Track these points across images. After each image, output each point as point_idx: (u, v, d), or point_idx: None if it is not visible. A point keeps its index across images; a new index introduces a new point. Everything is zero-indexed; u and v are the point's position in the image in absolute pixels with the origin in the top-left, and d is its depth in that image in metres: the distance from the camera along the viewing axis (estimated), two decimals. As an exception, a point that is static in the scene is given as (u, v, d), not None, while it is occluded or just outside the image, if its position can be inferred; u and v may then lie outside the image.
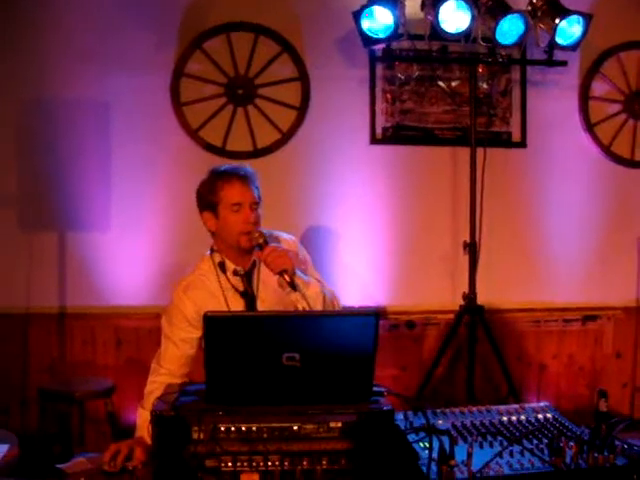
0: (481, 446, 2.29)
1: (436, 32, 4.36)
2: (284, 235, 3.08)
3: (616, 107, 5.21)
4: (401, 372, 4.90)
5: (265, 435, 2.14)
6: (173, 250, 4.72)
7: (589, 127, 5.13)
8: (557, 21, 4.45)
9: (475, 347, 4.53)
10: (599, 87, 5.17)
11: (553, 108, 5.08)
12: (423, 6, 4.44)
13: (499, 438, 2.34)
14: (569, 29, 4.52)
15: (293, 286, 2.69)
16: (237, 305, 2.86)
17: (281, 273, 2.70)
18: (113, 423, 4.18)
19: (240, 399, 2.14)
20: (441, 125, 4.94)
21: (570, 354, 5.18)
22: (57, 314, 4.69)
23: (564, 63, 4.69)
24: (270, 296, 2.89)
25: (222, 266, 2.92)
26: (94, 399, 4.21)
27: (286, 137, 4.80)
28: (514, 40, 4.45)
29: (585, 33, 4.51)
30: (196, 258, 4.60)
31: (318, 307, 2.73)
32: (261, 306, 2.87)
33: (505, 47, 4.50)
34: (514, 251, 5.02)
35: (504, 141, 5.03)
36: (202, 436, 2.12)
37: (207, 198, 2.91)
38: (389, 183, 4.91)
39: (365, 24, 4.33)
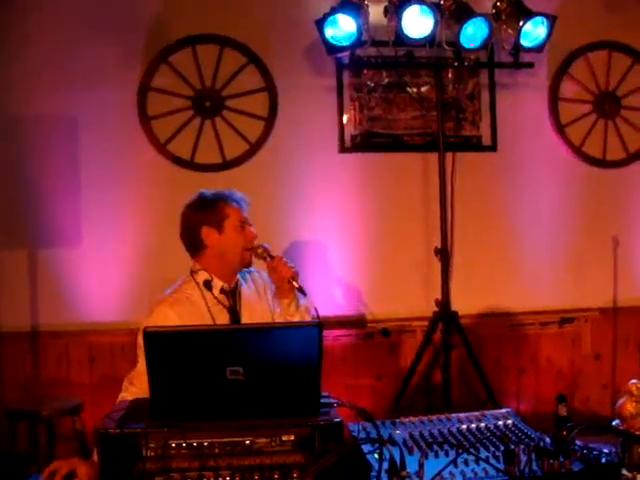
0: (437, 455, 2.26)
1: (400, 38, 4.35)
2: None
3: (586, 107, 5.21)
4: (377, 381, 4.87)
5: (217, 450, 2.10)
6: (145, 265, 4.70)
7: (559, 128, 5.13)
8: (521, 23, 4.44)
9: (450, 353, 4.50)
10: (568, 88, 5.18)
11: (523, 110, 5.08)
12: (386, 12, 4.42)
13: (456, 447, 2.31)
14: (534, 31, 4.51)
15: (302, 291, 2.94)
16: (223, 321, 2.88)
17: (291, 280, 2.94)
18: (81, 441, 4.14)
19: (185, 414, 2.11)
20: (410, 131, 4.92)
21: (548, 357, 5.16)
22: (29, 332, 4.65)
23: (531, 65, 4.69)
24: (252, 314, 2.97)
25: (208, 284, 2.95)
26: (62, 417, 4.18)
27: (254, 148, 4.78)
28: (479, 44, 4.44)
29: (550, 34, 4.50)
30: (167, 272, 4.52)
31: (307, 319, 2.98)
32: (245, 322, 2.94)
33: (470, 51, 4.50)
34: (488, 255, 5.00)
35: (474, 145, 5.02)
36: (152, 453, 2.09)
37: (210, 215, 2.99)
38: (360, 191, 4.89)
39: (329, 32, 4.31)
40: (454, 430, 2.47)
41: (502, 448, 2.26)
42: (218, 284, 2.97)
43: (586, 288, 5.16)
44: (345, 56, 4.61)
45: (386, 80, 4.90)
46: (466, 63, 4.66)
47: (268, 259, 3.02)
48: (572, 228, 5.15)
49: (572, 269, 5.14)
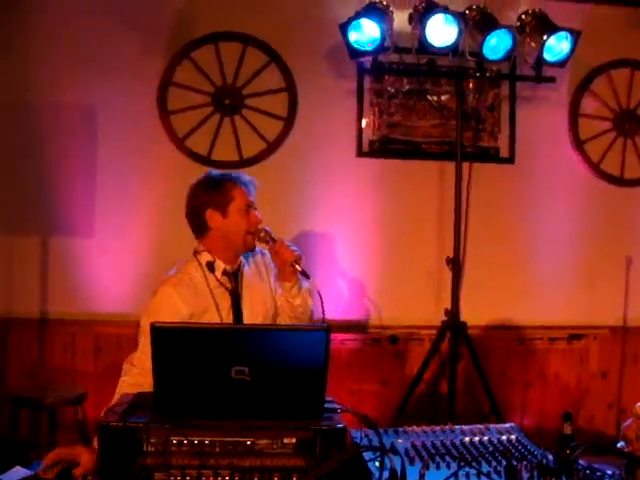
0: (438, 467, 2.25)
1: (423, 46, 4.34)
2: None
3: (606, 125, 5.19)
4: (382, 387, 4.86)
5: (217, 449, 2.10)
6: (156, 258, 4.69)
7: (578, 144, 5.10)
8: (545, 37, 4.42)
9: (457, 364, 4.48)
10: (589, 104, 5.16)
11: (542, 124, 5.06)
12: (411, 20, 4.42)
13: (458, 459, 2.30)
14: (557, 45, 4.48)
15: (305, 274, 2.99)
16: (224, 303, 2.93)
17: (293, 263, 2.96)
18: (82, 431, 4.14)
19: (188, 411, 2.10)
20: (429, 139, 4.92)
21: (555, 373, 5.13)
22: (38, 319, 4.67)
23: (552, 79, 4.66)
24: (253, 296, 3.03)
25: (211, 266, 2.97)
26: (65, 406, 4.19)
27: (272, 147, 4.78)
28: (501, 55, 4.42)
29: (573, 50, 4.47)
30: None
31: (309, 303, 3.08)
32: (245, 305, 2.98)
33: (492, 62, 4.47)
34: (500, 268, 4.98)
35: (492, 156, 5.00)
36: (152, 448, 2.09)
37: (216, 197, 2.98)
38: (375, 196, 4.88)
39: (352, 36, 4.30)
40: (457, 442, 2.45)
41: (504, 463, 2.25)
42: (220, 266, 2.99)
43: (597, 305, 5.14)
44: (367, 61, 4.59)
45: (407, 87, 4.90)
46: (488, 74, 4.63)
47: (270, 242, 3.03)
48: (586, 245, 5.13)
49: (584, 286, 5.12)
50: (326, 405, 2.18)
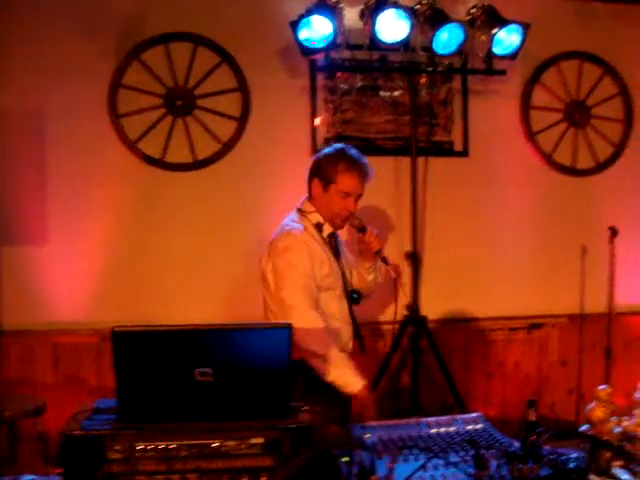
0: (406, 460, 2.25)
1: (375, 42, 4.35)
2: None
3: (557, 116, 5.25)
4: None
5: (184, 453, 2.08)
6: (113, 264, 4.65)
7: (530, 136, 5.16)
8: (495, 30, 4.47)
9: (419, 358, 4.51)
10: (540, 96, 5.21)
11: (495, 117, 5.10)
12: (362, 16, 4.43)
13: (426, 451, 2.30)
14: (507, 38, 4.53)
15: (386, 261, 3.30)
16: (332, 261, 3.27)
17: (378, 251, 3.30)
18: (44, 443, 4.07)
19: (153, 416, 2.08)
20: (383, 135, 4.92)
21: (516, 362, 5.18)
22: (-7, 331, 4.58)
23: (503, 72, 4.71)
24: (345, 261, 3.44)
25: (320, 226, 3.29)
26: (24, 418, 4.10)
27: (226, 148, 4.73)
28: (453, 49, 4.45)
29: (523, 42, 4.53)
30: (136, 273, 4.61)
31: (378, 279, 3.53)
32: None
33: (444, 56, 4.50)
34: (458, 261, 5.01)
35: (446, 150, 5.02)
36: (117, 456, 2.06)
37: (326, 171, 3.26)
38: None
39: (303, 34, 4.29)
40: (424, 434, 2.46)
41: (472, 453, 2.26)
42: (328, 228, 3.30)
43: (554, 295, 5.20)
44: (319, 58, 4.59)
45: (360, 83, 4.89)
46: (440, 69, 4.66)
47: (360, 232, 3.31)
48: (542, 235, 5.18)
49: (541, 276, 5.18)
50: (292, 403, 2.17)
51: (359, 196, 3.31)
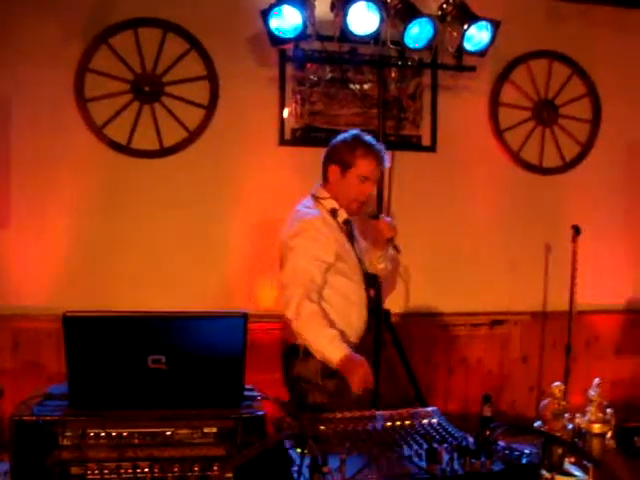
0: (360, 452, 2.25)
1: (345, 34, 4.33)
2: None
3: (525, 114, 5.27)
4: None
5: (136, 441, 2.06)
6: (76, 251, 4.60)
7: (498, 133, 5.18)
8: (466, 27, 4.47)
9: (381, 351, 4.50)
10: (509, 94, 5.23)
11: (463, 113, 5.11)
12: (333, 7, 4.41)
13: (379, 445, 2.30)
14: (478, 35, 4.53)
15: (397, 249, 3.39)
16: (348, 246, 3.32)
17: (390, 239, 3.36)
18: (0, 429, 4.02)
19: (105, 403, 2.06)
20: (351, 127, 4.82)
21: (478, 358, 5.21)
22: (-49, 315, 4.51)
23: (473, 68, 4.72)
24: (359, 247, 3.45)
25: (334, 212, 3.32)
26: (-22, 404, 4.05)
27: (193, 136, 4.70)
28: (423, 44, 4.44)
29: (493, 39, 4.53)
30: (98, 258, 4.57)
31: (389, 267, 3.64)
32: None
33: (414, 50, 4.50)
34: (423, 255, 5.01)
35: (414, 145, 5.03)
36: (68, 442, 2.03)
37: (344, 156, 3.30)
38: (298, 185, 4.78)
39: (274, 23, 4.26)
40: (379, 427, 2.46)
41: (425, 446, 2.27)
42: (343, 214, 3.34)
43: (517, 292, 5.23)
44: (289, 48, 4.57)
45: (329, 75, 4.87)
46: (409, 63, 4.67)
47: (374, 218, 3.40)
48: (507, 232, 5.21)
49: (505, 272, 5.20)
50: (246, 393, 2.16)
51: (376, 181, 3.41)
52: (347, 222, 3.38)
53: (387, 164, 3.43)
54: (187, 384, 2.07)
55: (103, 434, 2.05)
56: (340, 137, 3.41)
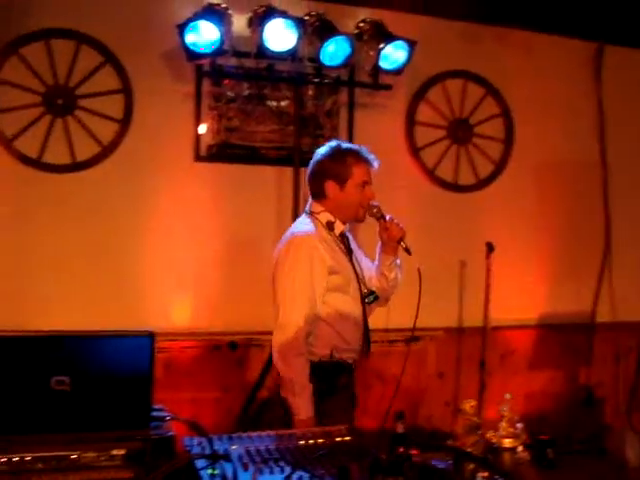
0: (271, 472, 2.21)
1: (262, 50, 4.35)
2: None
3: (440, 132, 5.35)
4: (224, 394, 4.78)
5: (40, 465, 1.99)
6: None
7: (414, 151, 5.24)
8: (382, 45, 4.53)
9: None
10: (424, 112, 5.31)
11: (380, 131, 5.14)
12: (250, 23, 4.43)
13: (292, 463, 2.27)
14: (394, 54, 4.62)
15: (408, 251, 3.35)
16: (345, 260, 3.31)
17: (400, 240, 3.32)
18: None
19: (7, 427, 1.98)
20: (267, 144, 4.89)
21: (394, 375, 5.22)
22: None
23: (389, 87, 4.79)
24: (357, 264, 3.40)
25: (331, 225, 3.29)
26: None
27: (107, 151, 4.60)
28: (340, 62, 4.50)
29: (409, 59, 4.62)
30: (9, 276, 4.44)
31: (399, 277, 3.56)
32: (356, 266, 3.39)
33: (331, 68, 4.54)
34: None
35: (330, 162, 5.03)
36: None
37: (337, 170, 3.27)
38: (214, 201, 4.81)
39: (190, 38, 4.24)
40: (292, 446, 2.44)
41: (338, 465, 2.25)
42: (340, 227, 3.32)
43: (433, 308, 5.24)
44: (206, 64, 4.55)
45: (246, 92, 4.85)
46: (326, 80, 4.70)
47: (381, 219, 3.32)
48: (422, 249, 5.11)
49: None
50: (155, 413, 2.11)
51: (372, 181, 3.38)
52: (342, 235, 3.37)
53: (375, 163, 3.38)
54: (93, 405, 2.02)
55: (4, 459, 1.97)
56: (322, 153, 3.36)
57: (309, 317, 3.16)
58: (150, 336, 2.00)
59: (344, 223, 3.36)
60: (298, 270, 3.19)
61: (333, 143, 3.41)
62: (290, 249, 3.23)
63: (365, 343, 3.50)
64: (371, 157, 3.36)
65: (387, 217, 3.33)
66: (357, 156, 3.31)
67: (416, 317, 3.57)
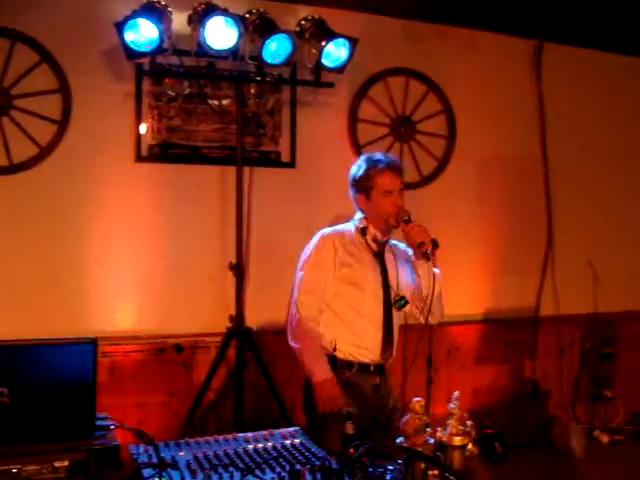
0: (221, 478, 2.18)
1: (203, 48, 4.28)
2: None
3: (383, 130, 5.36)
4: (170, 398, 4.71)
5: (-22, 480, 1.91)
6: None
7: (358, 148, 5.23)
8: (323, 43, 4.51)
9: (243, 370, 4.44)
10: (367, 110, 5.31)
11: (323, 129, 5.13)
12: (190, 21, 4.36)
13: (241, 468, 2.24)
14: (335, 52, 4.60)
15: (427, 256, 3.36)
16: (367, 260, 3.50)
17: (419, 245, 3.34)
18: None
19: (-58, 442, 1.91)
20: (209, 143, 4.83)
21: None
22: None
23: (331, 85, 4.77)
24: (391, 270, 3.55)
25: (364, 230, 3.51)
26: None
27: (45, 152, 4.48)
28: (282, 60, 4.46)
29: (351, 56, 4.61)
30: None
31: (436, 288, 3.46)
32: (391, 273, 3.55)
33: (273, 66, 4.50)
34: (282, 272, 4.94)
35: (273, 161, 5.00)
36: None
37: (362, 184, 3.51)
38: (155, 202, 4.73)
39: (129, 36, 4.14)
40: (241, 451, 2.40)
41: (288, 468, 2.22)
42: (372, 232, 3.52)
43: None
44: (145, 63, 4.47)
45: (188, 90, 4.77)
46: (268, 78, 4.65)
47: (402, 223, 3.42)
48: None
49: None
50: (99, 422, 2.05)
51: (401, 191, 3.53)
52: (376, 240, 3.54)
53: (396, 170, 3.54)
54: (34, 416, 1.95)
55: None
56: (354, 167, 3.61)
57: (317, 298, 3.46)
58: (93, 342, 1.94)
59: (380, 230, 3.54)
60: (311, 256, 3.52)
61: (363, 155, 3.68)
62: (312, 241, 3.56)
63: (386, 345, 3.66)
64: (396, 163, 3.57)
65: (411, 221, 3.43)
66: (378, 166, 3.50)
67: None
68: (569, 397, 6.10)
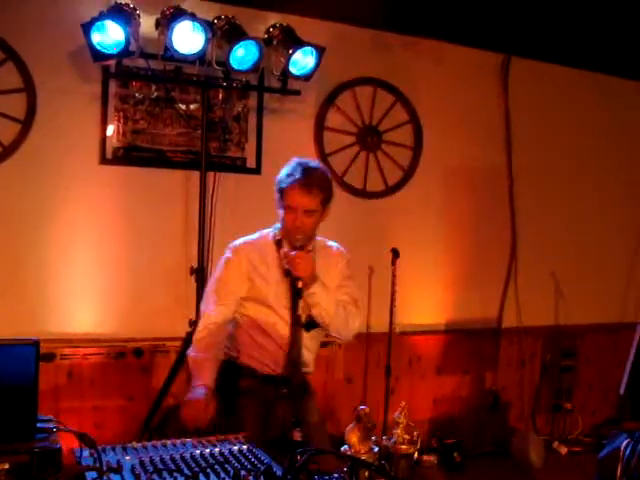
0: (165, 483, 2.18)
1: (170, 52, 4.29)
2: (334, 247, 3.53)
3: (350, 139, 5.39)
4: (128, 402, 4.69)
5: None
6: None
7: (323, 156, 5.25)
8: (291, 51, 4.53)
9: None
10: (334, 118, 5.34)
11: (289, 136, 5.14)
12: (157, 25, 4.36)
13: (186, 473, 2.24)
14: (303, 60, 4.63)
15: (298, 293, 3.10)
16: (276, 279, 3.25)
17: (296, 279, 3.10)
18: None
19: None
20: (175, 148, 4.82)
21: (303, 380, 5.22)
22: None
23: (298, 92, 4.80)
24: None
25: (279, 243, 3.30)
26: None
27: (8, 151, 4.44)
28: (248, 66, 4.48)
29: (318, 65, 4.64)
30: None
31: (326, 320, 3.23)
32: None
33: (239, 72, 4.51)
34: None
35: (238, 167, 5.01)
36: None
37: (277, 189, 3.27)
38: (120, 205, 4.71)
39: (95, 38, 4.15)
40: (187, 456, 2.40)
41: (232, 474, 2.22)
42: (286, 246, 3.24)
43: (341, 314, 5.28)
44: (112, 65, 4.46)
45: (154, 94, 4.76)
46: (235, 84, 4.66)
47: (292, 252, 3.14)
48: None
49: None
50: (41, 425, 2.05)
51: (307, 212, 3.17)
52: (286, 255, 3.23)
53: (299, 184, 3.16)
54: (-28, 418, 1.94)
55: None
56: (282, 169, 3.31)
57: (221, 309, 3.27)
58: (34, 344, 1.93)
59: (291, 245, 3.21)
60: (220, 270, 3.35)
61: (292, 161, 3.31)
62: (225, 253, 3.38)
63: (290, 366, 3.24)
64: (306, 183, 3.16)
65: (301, 249, 3.14)
66: (289, 179, 3.19)
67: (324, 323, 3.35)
68: (529, 408, 6.16)
